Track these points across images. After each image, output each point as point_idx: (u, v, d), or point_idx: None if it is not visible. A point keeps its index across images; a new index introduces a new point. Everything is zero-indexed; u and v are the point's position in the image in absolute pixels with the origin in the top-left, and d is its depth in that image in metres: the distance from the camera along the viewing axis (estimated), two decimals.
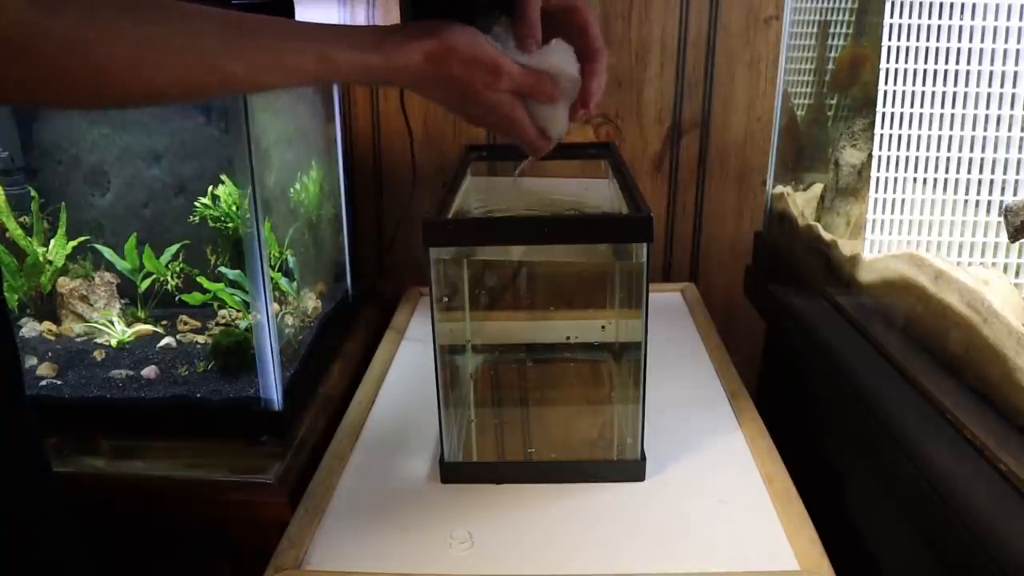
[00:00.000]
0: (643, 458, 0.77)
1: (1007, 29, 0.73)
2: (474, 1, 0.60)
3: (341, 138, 1.16)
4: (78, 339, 1.01)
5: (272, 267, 0.93)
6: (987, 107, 0.75)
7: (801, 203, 1.03)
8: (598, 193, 0.93)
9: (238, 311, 1.01)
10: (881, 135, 0.78)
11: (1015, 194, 0.76)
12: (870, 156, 0.80)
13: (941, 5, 0.74)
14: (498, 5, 0.61)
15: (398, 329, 1.11)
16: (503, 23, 0.62)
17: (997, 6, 0.73)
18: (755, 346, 1.21)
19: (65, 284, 1.04)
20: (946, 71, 0.76)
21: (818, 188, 1.01)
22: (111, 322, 1.02)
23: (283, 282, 0.98)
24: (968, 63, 0.75)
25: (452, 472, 0.77)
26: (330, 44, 0.55)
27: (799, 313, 0.94)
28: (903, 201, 0.79)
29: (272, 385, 0.86)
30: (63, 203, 1.03)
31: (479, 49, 0.59)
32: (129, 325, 1.03)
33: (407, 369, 1.02)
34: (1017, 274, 0.77)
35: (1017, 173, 0.76)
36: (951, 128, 0.76)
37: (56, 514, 0.59)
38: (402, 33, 0.58)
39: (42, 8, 0.42)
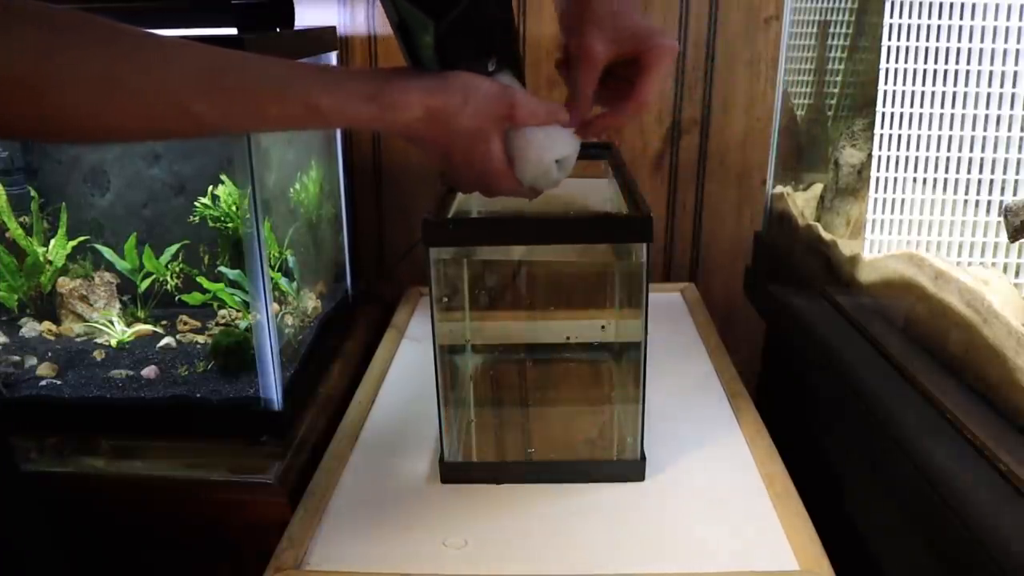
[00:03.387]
0: (643, 458, 0.77)
1: (1007, 29, 0.73)
2: (451, 48, 0.58)
3: (341, 138, 1.16)
4: (78, 339, 1.01)
5: (272, 267, 0.93)
6: (987, 107, 0.75)
7: (801, 203, 1.03)
8: (598, 193, 0.93)
9: (238, 311, 1.01)
10: (881, 135, 0.78)
11: (1015, 194, 0.76)
12: (870, 156, 0.80)
13: (941, 5, 0.74)
14: (493, 50, 0.60)
15: (398, 329, 1.11)
16: (507, 72, 0.61)
17: (997, 6, 0.73)
18: (755, 346, 1.21)
19: (65, 284, 1.04)
20: (946, 71, 0.76)
21: (818, 188, 1.01)
22: (111, 322, 1.02)
23: (283, 282, 0.98)
24: (968, 63, 0.75)
25: (452, 472, 0.77)
26: (319, 93, 0.51)
27: (799, 313, 0.94)
28: (903, 201, 0.79)
29: (272, 385, 0.86)
30: (63, 203, 1.03)
31: (490, 89, 0.57)
32: (129, 325, 1.03)
33: (407, 369, 1.02)
34: (1017, 274, 0.77)
35: (1017, 173, 0.76)
36: (951, 128, 0.76)
37: (27, 514, 0.59)
38: (403, 84, 0.54)
39: None
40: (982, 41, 0.74)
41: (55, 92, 0.43)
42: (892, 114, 0.77)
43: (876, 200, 0.79)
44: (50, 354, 0.97)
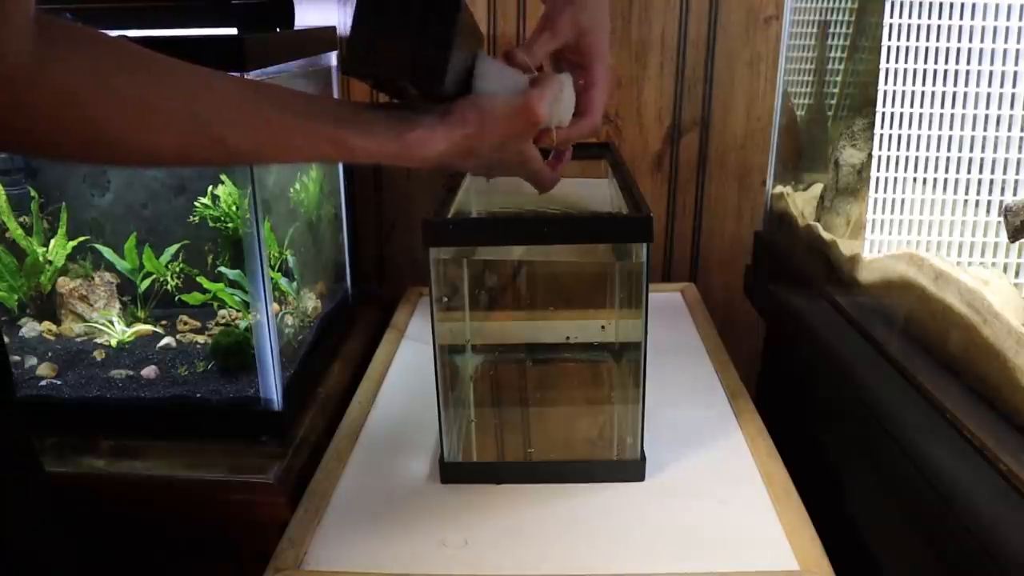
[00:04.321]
0: (643, 458, 0.77)
1: (1007, 29, 0.73)
2: (451, 52, 0.57)
3: None
4: (78, 339, 1.01)
5: (272, 267, 0.93)
6: (987, 107, 0.75)
7: (801, 203, 1.03)
8: (598, 193, 0.93)
9: (238, 311, 1.01)
10: (881, 135, 0.78)
11: (1015, 194, 0.76)
12: (870, 156, 0.80)
13: (941, 5, 0.74)
14: (470, 41, 0.60)
15: (398, 329, 1.11)
16: (484, 61, 0.60)
17: (997, 6, 0.73)
18: (755, 346, 1.21)
19: (65, 284, 1.04)
20: (946, 71, 0.76)
21: (818, 188, 1.01)
22: (111, 322, 1.02)
23: (283, 282, 0.98)
24: (968, 63, 0.75)
25: (452, 472, 0.77)
26: (346, 128, 0.52)
27: (799, 313, 0.94)
28: (903, 201, 0.79)
29: (272, 385, 0.86)
30: (63, 203, 1.03)
31: (504, 109, 0.58)
32: (129, 325, 1.03)
33: (407, 369, 1.02)
34: (1017, 274, 0.77)
35: (1017, 173, 0.76)
36: (951, 128, 0.76)
37: (49, 514, 0.59)
38: (425, 125, 0.55)
39: (44, 57, 0.41)
40: (982, 41, 0.74)
41: (96, 114, 0.43)
42: (892, 114, 0.77)
43: (876, 200, 0.79)
44: (50, 354, 0.97)
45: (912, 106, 0.77)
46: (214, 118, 0.48)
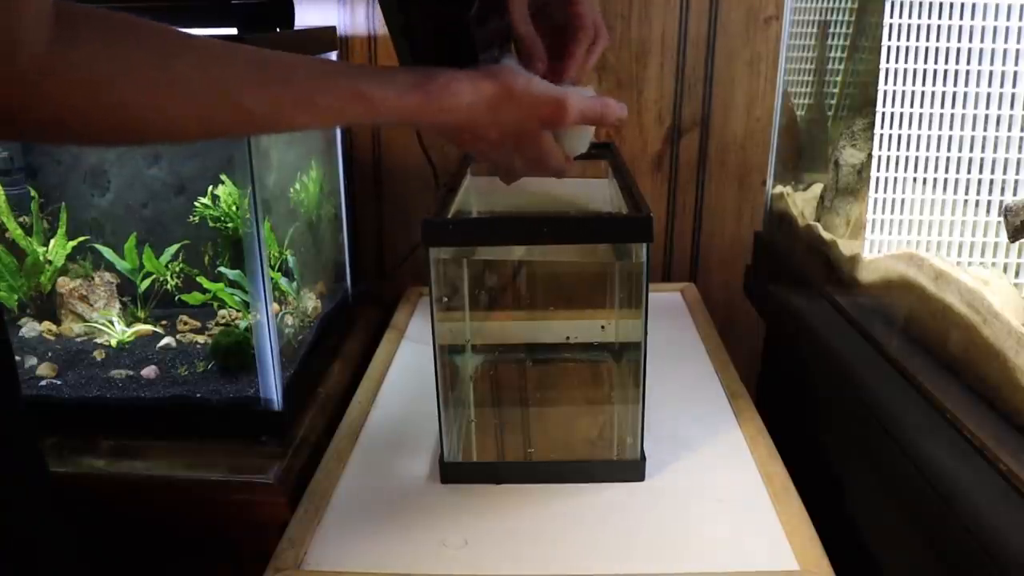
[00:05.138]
0: (643, 458, 0.77)
1: (1007, 29, 0.73)
2: (475, 41, 0.57)
3: (341, 138, 1.16)
4: (78, 339, 1.01)
5: (272, 267, 0.93)
6: (987, 107, 0.75)
7: (801, 203, 1.03)
8: (598, 193, 0.93)
9: (238, 311, 1.01)
10: (881, 135, 0.78)
11: (1015, 194, 0.76)
12: (870, 156, 0.80)
13: (941, 5, 0.74)
14: (497, 38, 0.60)
15: (398, 329, 1.11)
16: (510, 54, 0.60)
17: (997, 6, 0.73)
18: (755, 346, 1.21)
19: (65, 284, 1.04)
20: (946, 71, 0.76)
21: (818, 188, 1.01)
22: (111, 322, 1.02)
23: (283, 282, 0.98)
24: (968, 63, 0.75)
25: (452, 472, 0.77)
26: (366, 82, 0.52)
27: (799, 313, 0.94)
28: (903, 201, 0.79)
29: (272, 385, 0.86)
30: (63, 203, 1.03)
31: (540, 88, 0.56)
32: (129, 325, 1.03)
33: (407, 369, 1.02)
34: (1017, 274, 0.77)
35: (1017, 173, 0.76)
36: (951, 128, 0.76)
37: (51, 516, 0.59)
38: (447, 75, 0.54)
39: (60, 43, 0.41)
40: (982, 41, 0.74)
41: (114, 90, 0.43)
42: (892, 114, 0.77)
43: (876, 200, 0.79)
44: (50, 354, 0.97)
45: (912, 106, 0.77)
46: (235, 85, 0.47)
